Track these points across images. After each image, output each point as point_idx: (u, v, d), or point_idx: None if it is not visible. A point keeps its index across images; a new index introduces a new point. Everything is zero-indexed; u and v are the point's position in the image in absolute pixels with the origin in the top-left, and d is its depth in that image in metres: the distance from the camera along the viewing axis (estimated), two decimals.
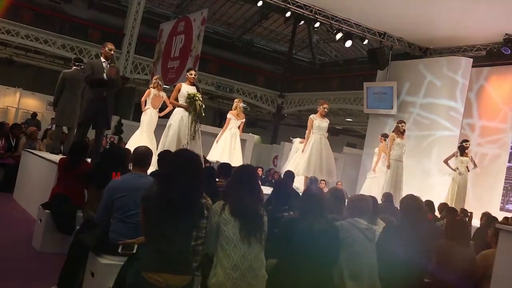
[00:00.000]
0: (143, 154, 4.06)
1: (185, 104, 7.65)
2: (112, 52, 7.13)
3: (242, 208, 3.26)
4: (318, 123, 8.54)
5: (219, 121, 22.95)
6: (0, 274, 4.57)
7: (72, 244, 4.24)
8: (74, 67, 8.15)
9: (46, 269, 4.90)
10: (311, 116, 8.69)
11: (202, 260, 3.50)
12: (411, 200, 4.23)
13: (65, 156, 6.25)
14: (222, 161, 8.35)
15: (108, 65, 6.98)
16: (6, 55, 18.39)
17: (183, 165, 3.03)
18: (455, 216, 6.65)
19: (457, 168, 9.84)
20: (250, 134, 16.50)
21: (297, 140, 10.18)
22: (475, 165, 10.03)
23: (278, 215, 4.17)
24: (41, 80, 18.88)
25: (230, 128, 9.15)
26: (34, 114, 15.44)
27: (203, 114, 7.82)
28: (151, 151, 4.29)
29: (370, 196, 4.89)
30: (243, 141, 10.29)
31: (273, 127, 23.16)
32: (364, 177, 11.71)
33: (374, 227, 4.02)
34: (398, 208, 4.55)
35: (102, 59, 7.05)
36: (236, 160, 8.83)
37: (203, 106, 7.74)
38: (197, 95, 7.66)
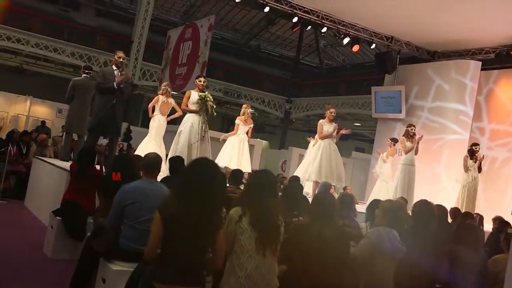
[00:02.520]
0: (153, 160, 4.09)
1: (196, 108, 7.74)
2: (121, 60, 7.23)
3: (263, 219, 3.15)
4: (327, 128, 8.56)
5: (227, 126, 22.98)
6: (12, 280, 4.60)
7: (83, 251, 4.27)
8: (84, 75, 8.21)
9: (57, 275, 4.94)
10: (320, 121, 8.71)
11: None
12: (423, 205, 4.21)
13: (73, 162, 6.30)
14: (231, 167, 8.37)
15: (119, 73, 7.08)
16: (17, 63, 18.57)
17: (204, 178, 2.96)
18: (464, 220, 6.60)
19: (469, 170, 9.76)
20: (258, 139, 16.53)
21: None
22: (479, 170, 9.88)
23: (287, 221, 4.16)
24: (51, 88, 19.02)
25: (238, 134, 9.17)
26: (43, 122, 15.58)
27: (215, 114, 7.90)
28: (161, 157, 4.32)
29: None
30: (251, 147, 10.33)
31: (281, 132, 23.16)
32: (373, 181, 11.67)
33: (404, 249, 3.89)
34: (410, 213, 4.51)
35: (114, 67, 7.17)
36: (245, 166, 8.85)
37: (214, 106, 7.83)
38: (208, 95, 7.74)
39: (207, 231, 2.97)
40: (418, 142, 9.30)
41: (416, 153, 9.38)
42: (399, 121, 12.89)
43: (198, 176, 2.97)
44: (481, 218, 7.87)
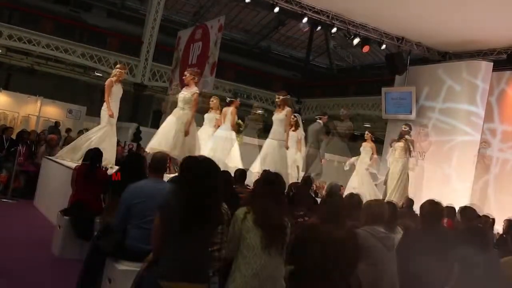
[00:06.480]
0: (160, 160, 4.08)
1: None
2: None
3: (265, 218, 3.16)
4: None
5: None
6: (20, 279, 4.62)
7: (90, 250, 4.27)
8: None
9: (65, 274, 4.95)
10: None
11: (220, 265, 3.47)
12: (431, 205, 4.15)
13: (80, 164, 6.28)
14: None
15: None
16: (28, 64, 18.71)
17: (201, 173, 2.99)
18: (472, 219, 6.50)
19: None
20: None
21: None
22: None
23: (293, 221, 4.11)
24: (62, 88, 19.15)
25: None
26: (57, 123, 15.68)
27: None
28: (168, 157, 4.31)
29: (389, 201, 4.82)
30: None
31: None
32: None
33: (392, 235, 3.93)
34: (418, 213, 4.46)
35: None
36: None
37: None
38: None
39: (206, 227, 2.98)
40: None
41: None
42: (409, 122, 12.77)
43: (194, 174, 3.00)
44: (492, 220, 7.77)
